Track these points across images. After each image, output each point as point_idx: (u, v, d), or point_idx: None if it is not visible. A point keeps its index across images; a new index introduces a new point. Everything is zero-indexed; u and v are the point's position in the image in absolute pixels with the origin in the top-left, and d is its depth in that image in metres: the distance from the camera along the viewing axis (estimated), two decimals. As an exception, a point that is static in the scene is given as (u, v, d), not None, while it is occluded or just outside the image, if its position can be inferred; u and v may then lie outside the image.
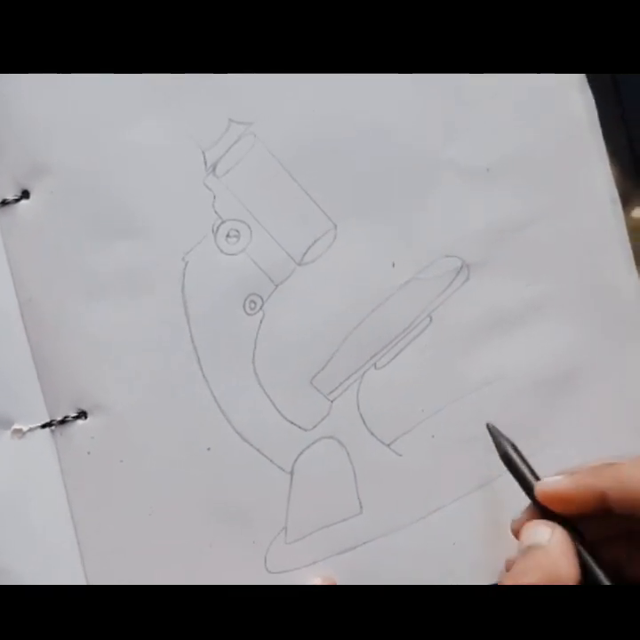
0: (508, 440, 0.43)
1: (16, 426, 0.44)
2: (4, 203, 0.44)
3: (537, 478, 0.42)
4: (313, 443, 0.45)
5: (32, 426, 0.44)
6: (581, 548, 0.41)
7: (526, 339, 0.45)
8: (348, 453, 0.45)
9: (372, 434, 0.45)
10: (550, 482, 0.41)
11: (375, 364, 0.45)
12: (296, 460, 0.45)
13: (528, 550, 0.41)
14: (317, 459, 0.45)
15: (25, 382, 0.44)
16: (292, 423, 0.45)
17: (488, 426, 0.44)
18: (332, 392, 0.45)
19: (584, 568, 0.40)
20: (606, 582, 0.40)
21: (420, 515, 0.45)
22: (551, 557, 0.40)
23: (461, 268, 0.45)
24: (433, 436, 0.45)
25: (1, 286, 0.44)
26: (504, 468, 0.44)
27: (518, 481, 0.43)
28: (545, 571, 0.39)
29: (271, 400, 0.45)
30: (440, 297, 0.45)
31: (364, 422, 0.45)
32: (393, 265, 0.45)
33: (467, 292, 0.45)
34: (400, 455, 0.45)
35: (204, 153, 0.45)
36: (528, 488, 0.42)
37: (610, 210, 0.46)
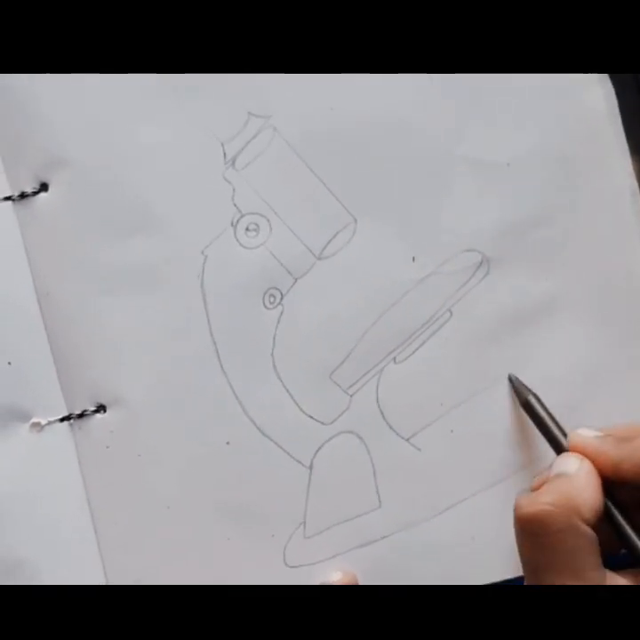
0: (529, 390, 0.44)
1: (34, 419, 0.44)
2: (23, 195, 0.44)
3: (560, 428, 0.43)
4: (332, 437, 0.45)
5: (51, 419, 0.44)
6: (608, 501, 0.41)
7: (546, 333, 0.45)
8: (367, 448, 0.45)
9: (392, 428, 0.45)
10: (582, 436, 0.42)
11: (394, 359, 0.45)
12: (315, 455, 0.45)
13: (554, 477, 0.41)
14: (336, 453, 0.45)
15: (43, 376, 0.44)
16: (311, 417, 0.45)
17: (509, 377, 0.45)
18: (351, 386, 0.45)
19: (611, 521, 0.41)
20: (632, 535, 0.41)
21: (439, 509, 0.45)
22: (574, 484, 0.40)
23: (481, 262, 0.45)
24: (452, 431, 0.45)
25: (19, 279, 0.44)
26: (523, 464, 0.44)
27: (540, 430, 0.43)
28: (563, 493, 0.40)
29: (290, 394, 0.45)
30: (460, 291, 0.45)
31: (384, 417, 0.45)
32: (413, 259, 0.45)
33: (487, 286, 0.45)
34: (419, 449, 0.45)
35: (223, 146, 0.44)
36: (551, 437, 0.43)
37: (630, 204, 0.46)
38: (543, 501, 0.40)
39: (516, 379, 0.45)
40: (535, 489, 0.42)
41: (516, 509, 0.40)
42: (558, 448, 0.43)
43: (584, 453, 0.42)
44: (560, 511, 0.39)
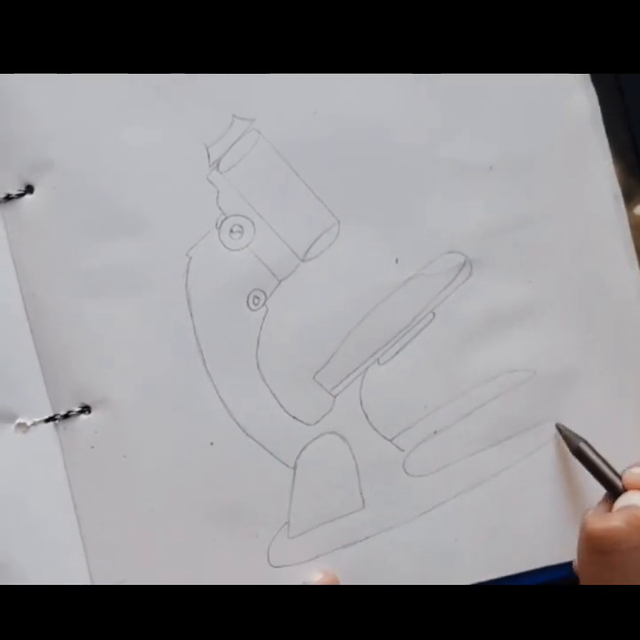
0: (580, 437, 0.44)
1: (20, 420, 0.44)
2: (8, 198, 0.44)
3: (613, 470, 0.43)
4: (316, 438, 0.45)
5: (36, 420, 0.45)
6: None
7: (528, 335, 0.46)
8: (350, 448, 0.45)
9: (375, 429, 0.45)
10: (637, 474, 0.42)
11: (378, 360, 0.45)
12: (299, 455, 0.45)
13: (622, 508, 0.41)
14: (320, 454, 0.45)
15: (28, 377, 0.44)
16: (295, 418, 0.45)
17: (557, 426, 0.45)
18: (335, 387, 0.45)
19: None
20: None
21: (422, 510, 0.45)
22: None
23: (464, 264, 0.45)
24: (435, 432, 0.45)
25: (4, 281, 0.44)
26: (505, 465, 0.44)
27: (594, 475, 0.43)
28: (636, 515, 0.39)
29: (274, 395, 0.45)
30: (443, 293, 0.45)
31: (367, 417, 0.45)
32: (396, 261, 0.45)
33: (470, 288, 0.45)
34: (402, 450, 0.45)
35: (207, 149, 0.45)
36: (606, 481, 0.43)
37: (612, 207, 0.46)
38: (615, 519, 0.39)
39: (565, 427, 0.45)
40: None
41: (585, 525, 0.40)
42: (614, 490, 0.43)
43: None
44: (633, 531, 0.39)
